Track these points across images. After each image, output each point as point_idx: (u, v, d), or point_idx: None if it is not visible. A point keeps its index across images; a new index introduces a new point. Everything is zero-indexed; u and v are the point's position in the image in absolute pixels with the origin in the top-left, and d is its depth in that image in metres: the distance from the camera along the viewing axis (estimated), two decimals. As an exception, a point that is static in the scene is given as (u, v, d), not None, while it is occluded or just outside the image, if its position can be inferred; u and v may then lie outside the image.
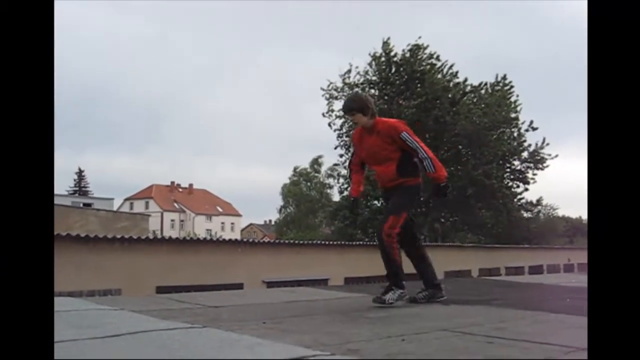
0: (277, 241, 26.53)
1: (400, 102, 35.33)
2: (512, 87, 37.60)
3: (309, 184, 72.90)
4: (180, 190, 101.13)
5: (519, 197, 38.90)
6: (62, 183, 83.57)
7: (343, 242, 23.68)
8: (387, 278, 5.66)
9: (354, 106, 5.75)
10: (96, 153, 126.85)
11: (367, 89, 36.86)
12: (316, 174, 72.79)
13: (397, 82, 35.94)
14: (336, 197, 51.24)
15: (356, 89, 36.67)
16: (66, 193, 73.98)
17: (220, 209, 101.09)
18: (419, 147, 5.55)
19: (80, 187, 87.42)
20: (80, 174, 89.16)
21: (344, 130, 37.17)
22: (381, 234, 5.52)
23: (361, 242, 26.40)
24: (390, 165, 5.65)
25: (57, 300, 5.44)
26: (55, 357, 2.87)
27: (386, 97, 36.17)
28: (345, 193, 38.08)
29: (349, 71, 36.69)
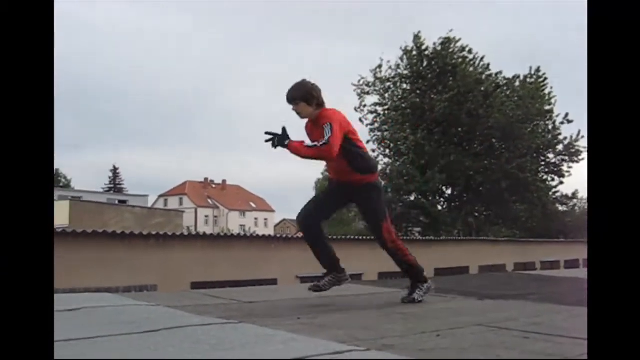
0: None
1: (433, 96, 35.16)
2: (545, 79, 37.16)
3: (341, 179, 72.83)
4: (214, 186, 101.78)
5: (554, 190, 38.54)
6: (98, 181, 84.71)
7: (376, 237, 23.59)
8: (408, 277, 5.58)
9: (297, 95, 5.18)
10: (130, 151, 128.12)
11: (398, 83, 36.80)
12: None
13: (429, 75, 35.77)
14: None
15: (387, 84, 36.64)
16: (102, 190, 75.05)
17: (253, 205, 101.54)
18: (328, 136, 4.94)
19: (115, 185, 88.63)
20: (115, 171, 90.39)
21: (376, 125, 37.10)
22: (386, 244, 5.35)
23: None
24: (341, 161, 5.15)
25: (93, 296, 5.53)
26: (95, 353, 2.92)
27: (418, 91, 36.04)
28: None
29: (380, 66, 36.63)
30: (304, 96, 5.16)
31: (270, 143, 5.06)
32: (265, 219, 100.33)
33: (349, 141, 5.18)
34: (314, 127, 5.24)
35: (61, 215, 38.23)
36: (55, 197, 45.49)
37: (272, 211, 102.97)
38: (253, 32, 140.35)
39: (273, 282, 14.95)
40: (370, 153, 5.56)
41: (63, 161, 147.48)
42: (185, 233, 19.32)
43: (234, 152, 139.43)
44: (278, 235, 22.55)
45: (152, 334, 3.47)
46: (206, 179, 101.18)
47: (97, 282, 11.98)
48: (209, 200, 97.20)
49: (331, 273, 5.40)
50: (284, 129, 5.07)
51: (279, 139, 5.04)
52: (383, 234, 5.31)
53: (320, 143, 4.96)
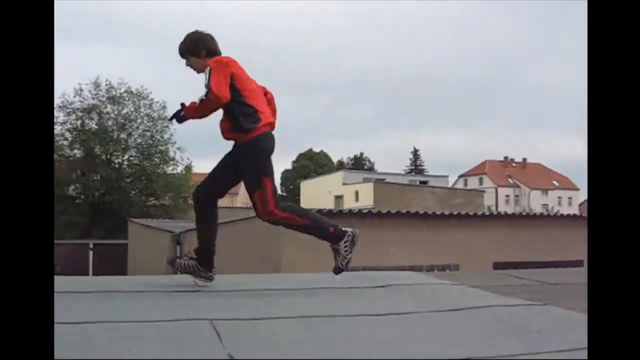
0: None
1: None
2: None
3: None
4: (514, 165, 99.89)
5: None
6: (400, 163, 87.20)
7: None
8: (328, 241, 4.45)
9: (183, 48, 4.49)
10: (431, 132, 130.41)
11: None
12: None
13: None
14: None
15: None
16: (403, 172, 77.71)
17: (556, 183, 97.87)
18: (209, 79, 4.21)
19: (416, 166, 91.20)
20: (415, 153, 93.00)
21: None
22: (261, 218, 4.45)
23: None
24: (225, 114, 4.39)
25: (399, 274, 5.78)
26: (409, 329, 3.10)
27: None
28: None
29: None
30: (190, 48, 4.49)
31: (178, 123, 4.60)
32: (569, 198, 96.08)
33: (234, 90, 4.33)
34: None
35: (366, 197, 40.28)
36: (360, 180, 48.01)
37: (577, 189, 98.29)
38: (558, 9, 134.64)
39: (579, 263, 14.33)
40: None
41: (367, 145, 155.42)
42: (487, 213, 19.28)
43: (536, 129, 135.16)
44: (583, 215, 21.51)
45: (457, 312, 3.57)
46: (506, 157, 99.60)
47: (401, 261, 12.48)
48: (509, 180, 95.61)
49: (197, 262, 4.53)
50: (182, 104, 4.49)
51: (175, 113, 4.54)
52: (256, 207, 4.42)
53: (208, 88, 4.24)
